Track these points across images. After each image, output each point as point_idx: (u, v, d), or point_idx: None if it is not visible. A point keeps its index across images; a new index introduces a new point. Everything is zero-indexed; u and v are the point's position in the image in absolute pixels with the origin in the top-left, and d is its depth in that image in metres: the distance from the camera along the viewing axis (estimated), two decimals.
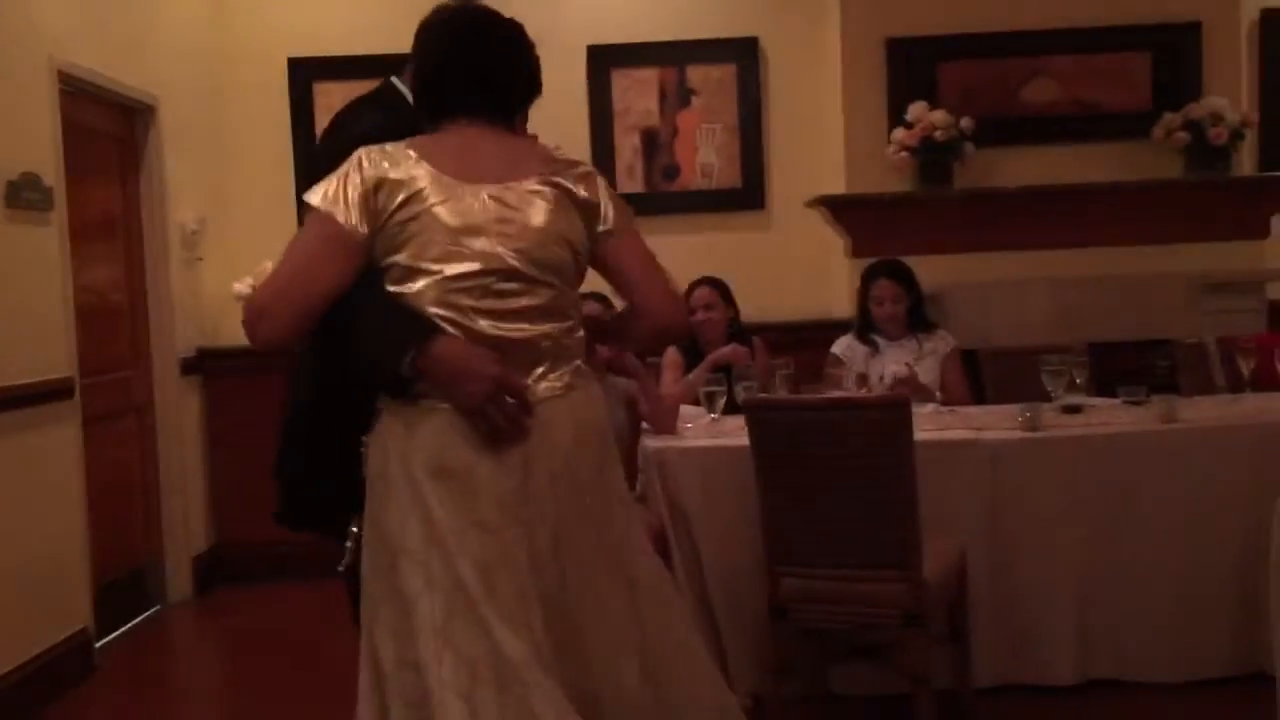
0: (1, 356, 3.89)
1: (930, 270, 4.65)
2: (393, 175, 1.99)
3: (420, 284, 1.99)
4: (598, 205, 2.11)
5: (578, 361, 2.11)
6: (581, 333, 2.14)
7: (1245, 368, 4.00)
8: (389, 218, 1.98)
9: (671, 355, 4.41)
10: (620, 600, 2.08)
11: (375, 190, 1.98)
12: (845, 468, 3.11)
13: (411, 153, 2.02)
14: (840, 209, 5.47)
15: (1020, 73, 5.52)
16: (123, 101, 4.94)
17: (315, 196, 2.00)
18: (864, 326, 4.42)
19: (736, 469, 3.39)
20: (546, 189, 2.06)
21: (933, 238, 5.24)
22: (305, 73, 5.84)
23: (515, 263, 2.01)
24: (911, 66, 5.49)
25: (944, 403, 4.13)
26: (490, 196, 2.02)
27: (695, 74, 5.97)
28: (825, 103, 5.85)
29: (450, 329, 1.99)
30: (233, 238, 5.71)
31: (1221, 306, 5.33)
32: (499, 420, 1.97)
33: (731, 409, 3.88)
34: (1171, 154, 5.41)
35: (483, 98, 2.11)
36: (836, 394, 3.81)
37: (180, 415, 5.30)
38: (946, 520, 3.43)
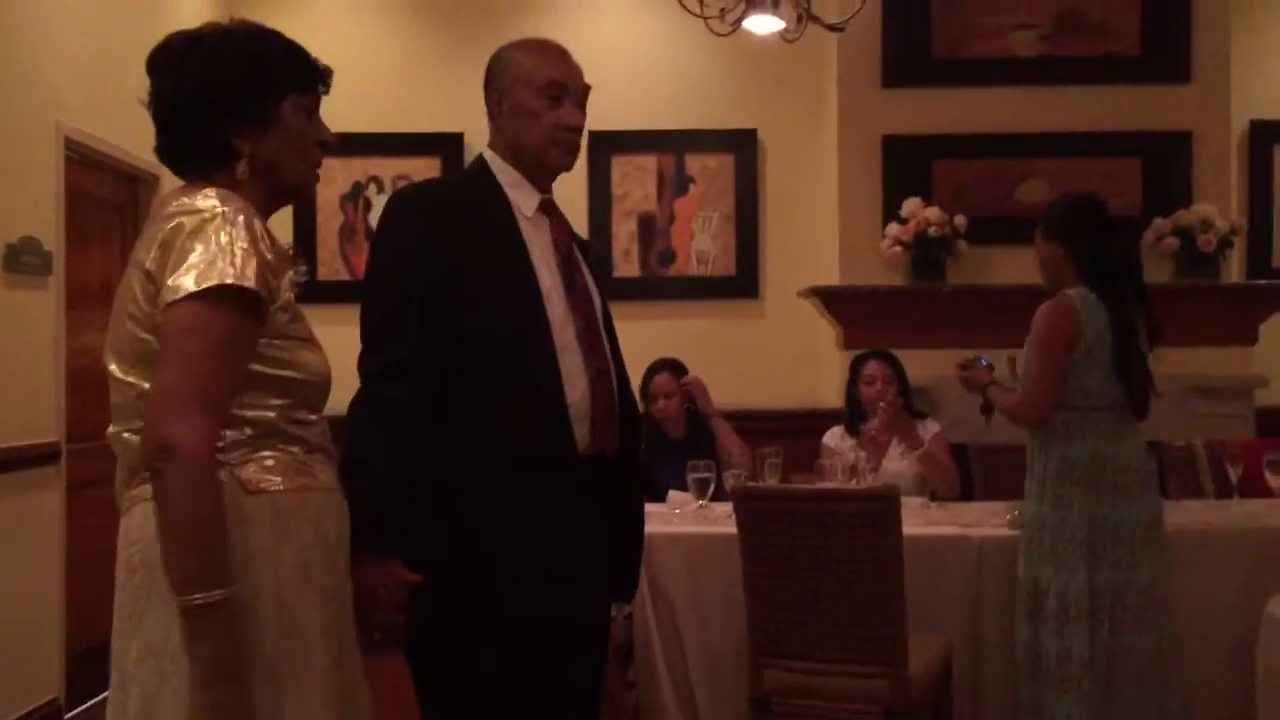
0: None
1: (921, 364, 4.68)
2: None
3: None
4: (158, 275, 1.63)
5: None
6: None
7: (1234, 474, 3.99)
8: None
9: None
10: None
11: None
12: (832, 559, 3.10)
13: None
14: (833, 300, 5.51)
15: (1013, 173, 5.62)
16: (127, 170, 4.99)
17: None
18: (853, 417, 4.41)
19: (723, 556, 3.37)
20: (133, 259, 1.71)
21: (924, 332, 5.28)
22: None
23: (106, 353, 1.72)
24: (907, 163, 5.58)
25: (934, 487, 4.15)
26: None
27: (694, 162, 6.06)
28: (821, 195, 5.93)
29: None
30: None
31: (1210, 411, 5.36)
32: None
33: (719, 496, 3.87)
34: (1161, 259, 5.47)
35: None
36: (824, 485, 3.80)
37: None
38: (932, 616, 3.41)
